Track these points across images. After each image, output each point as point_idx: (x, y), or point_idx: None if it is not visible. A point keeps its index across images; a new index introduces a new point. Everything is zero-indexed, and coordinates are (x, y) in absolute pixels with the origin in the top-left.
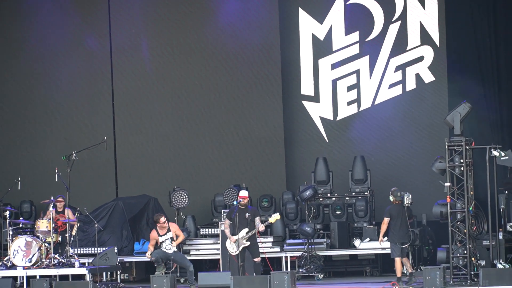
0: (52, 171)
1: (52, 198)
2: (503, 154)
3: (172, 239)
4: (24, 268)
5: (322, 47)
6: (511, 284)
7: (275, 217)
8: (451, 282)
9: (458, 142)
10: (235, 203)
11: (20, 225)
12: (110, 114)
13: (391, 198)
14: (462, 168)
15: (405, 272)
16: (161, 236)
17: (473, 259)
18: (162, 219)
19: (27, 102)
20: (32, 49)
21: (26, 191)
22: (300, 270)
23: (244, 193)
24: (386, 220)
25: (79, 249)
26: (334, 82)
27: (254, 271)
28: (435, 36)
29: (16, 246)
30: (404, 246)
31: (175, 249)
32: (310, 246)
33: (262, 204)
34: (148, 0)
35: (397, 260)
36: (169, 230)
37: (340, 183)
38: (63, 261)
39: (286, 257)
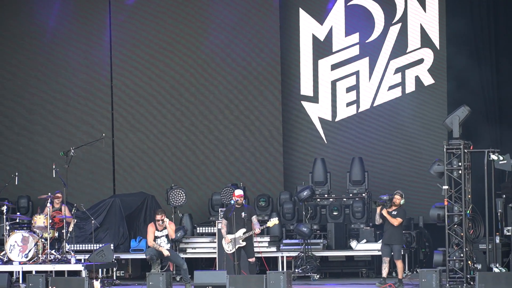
0: (50, 166)
1: (49, 194)
2: (501, 158)
3: (167, 236)
4: (20, 263)
5: (322, 48)
6: None
7: (273, 222)
8: (447, 285)
9: (456, 145)
10: (232, 202)
11: (17, 220)
12: (109, 111)
13: (402, 201)
14: (460, 171)
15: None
16: (158, 231)
17: (469, 262)
18: (158, 216)
19: (25, 97)
20: (31, 45)
21: (24, 186)
22: (296, 270)
23: (239, 192)
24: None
25: (75, 245)
26: (334, 83)
27: (249, 271)
28: (435, 39)
29: (13, 241)
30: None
31: (169, 248)
32: (306, 247)
33: (260, 204)
34: None
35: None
36: (164, 228)
37: (337, 184)
38: (59, 257)
39: (282, 257)
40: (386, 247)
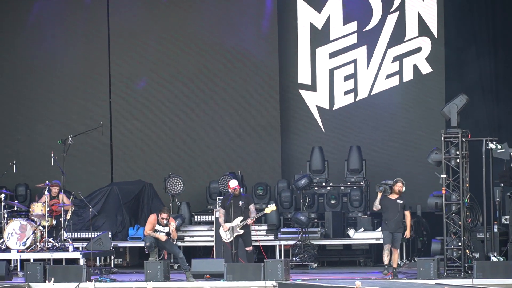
0: (48, 155)
1: (47, 182)
2: (499, 147)
3: (168, 234)
4: (18, 251)
5: (319, 36)
6: (505, 277)
7: (270, 208)
8: (445, 274)
9: (454, 134)
10: (229, 190)
11: (15, 208)
12: (107, 99)
13: (404, 188)
14: (458, 160)
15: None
16: (159, 225)
17: (467, 251)
18: (164, 215)
19: (23, 85)
20: (29, 33)
21: (22, 174)
22: (294, 258)
23: (234, 183)
24: None
25: (73, 233)
26: (331, 72)
27: (246, 260)
28: (433, 27)
29: (11, 229)
30: None
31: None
32: (304, 235)
33: (257, 192)
34: None
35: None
36: (166, 225)
37: (335, 173)
38: (57, 245)
39: (280, 245)
40: (390, 235)
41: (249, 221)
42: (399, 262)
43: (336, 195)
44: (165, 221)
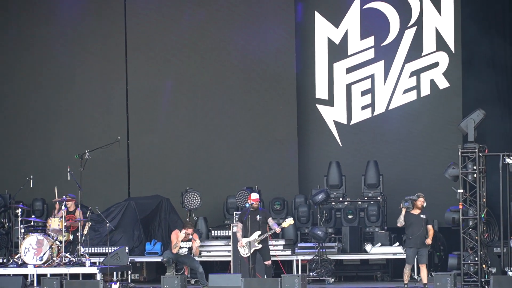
0: (64, 169)
1: (64, 197)
2: None
3: (190, 249)
4: (35, 266)
5: (337, 51)
6: None
7: (288, 222)
8: None
9: (471, 149)
10: (247, 205)
11: (32, 223)
12: (124, 114)
13: (425, 203)
14: (475, 175)
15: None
16: (182, 241)
17: (484, 266)
18: (190, 230)
19: (40, 100)
20: (47, 47)
21: (39, 189)
22: (311, 273)
23: (255, 196)
24: None
25: (90, 248)
26: (349, 86)
27: (265, 274)
28: (450, 42)
29: (28, 244)
30: None
31: (185, 252)
32: (321, 250)
33: (274, 207)
34: (163, 1)
35: None
36: (189, 240)
37: (352, 188)
38: (74, 260)
39: (297, 260)
40: (413, 253)
41: (278, 230)
42: (415, 277)
43: (353, 210)
44: (189, 236)
